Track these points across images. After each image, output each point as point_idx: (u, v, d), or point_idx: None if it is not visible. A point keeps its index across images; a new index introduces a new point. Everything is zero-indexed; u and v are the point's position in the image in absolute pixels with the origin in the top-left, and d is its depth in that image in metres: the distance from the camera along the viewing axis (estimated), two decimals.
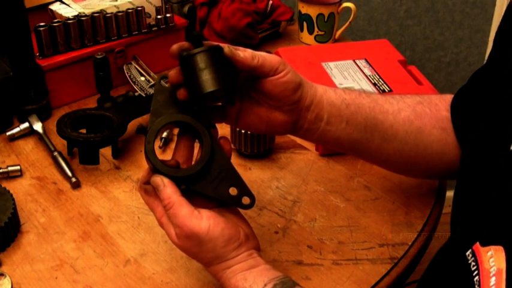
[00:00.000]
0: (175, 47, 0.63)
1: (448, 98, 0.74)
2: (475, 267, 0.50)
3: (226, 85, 0.61)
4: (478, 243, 0.51)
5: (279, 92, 0.65)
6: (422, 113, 0.72)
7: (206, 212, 0.61)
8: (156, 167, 0.62)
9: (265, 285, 0.59)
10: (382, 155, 0.73)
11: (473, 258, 0.51)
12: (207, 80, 0.60)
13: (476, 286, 0.49)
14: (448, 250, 0.59)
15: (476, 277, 0.50)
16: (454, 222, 0.62)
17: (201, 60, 0.60)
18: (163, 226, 0.63)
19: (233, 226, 0.62)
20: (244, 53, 0.63)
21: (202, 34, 0.62)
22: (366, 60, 1.03)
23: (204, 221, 0.60)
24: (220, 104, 0.67)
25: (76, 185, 0.85)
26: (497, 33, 0.67)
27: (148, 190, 0.64)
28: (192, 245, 0.61)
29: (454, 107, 0.73)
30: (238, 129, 0.88)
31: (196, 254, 0.62)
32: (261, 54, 0.64)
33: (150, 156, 0.62)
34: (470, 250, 0.52)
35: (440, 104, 0.73)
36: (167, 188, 0.61)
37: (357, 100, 0.70)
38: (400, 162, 0.73)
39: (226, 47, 0.62)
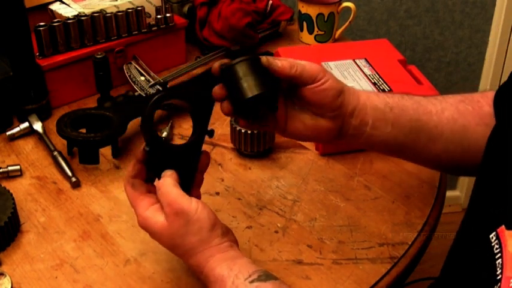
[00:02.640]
0: (216, 64, 0.65)
1: (490, 94, 0.74)
2: (498, 250, 0.50)
3: (267, 90, 0.63)
4: (503, 226, 0.51)
5: (319, 99, 0.67)
6: (465, 111, 0.72)
7: (194, 197, 0.64)
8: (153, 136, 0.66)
9: (249, 275, 0.60)
10: (429, 156, 0.73)
11: (497, 241, 0.51)
12: (248, 86, 0.63)
13: (498, 269, 0.49)
14: (470, 232, 0.60)
15: (499, 260, 0.50)
16: (476, 205, 0.62)
17: (240, 70, 0.63)
18: (147, 220, 0.64)
19: (216, 216, 0.64)
20: (282, 63, 0.65)
21: (240, 50, 0.65)
22: (366, 60, 1.03)
23: (194, 202, 0.63)
24: (261, 112, 0.68)
25: (76, 185, 0.85)
26: None
27: (136, 184, 0.66)
28: (179, 225, 0.62)
29: (497, 103, 0.72)
30: (238, 128, 0.88)
31: (182, 237, 0.62)
32: (300, 63, 0.66)
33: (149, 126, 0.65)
34: (494, 233, 0.52)
35: (482, 100, 0.73)
36: (168, 171, 0.65)
37: (400, 103, 0.71)
38: (447, 162, 0.74)
39: (264, 57, 0.65)
